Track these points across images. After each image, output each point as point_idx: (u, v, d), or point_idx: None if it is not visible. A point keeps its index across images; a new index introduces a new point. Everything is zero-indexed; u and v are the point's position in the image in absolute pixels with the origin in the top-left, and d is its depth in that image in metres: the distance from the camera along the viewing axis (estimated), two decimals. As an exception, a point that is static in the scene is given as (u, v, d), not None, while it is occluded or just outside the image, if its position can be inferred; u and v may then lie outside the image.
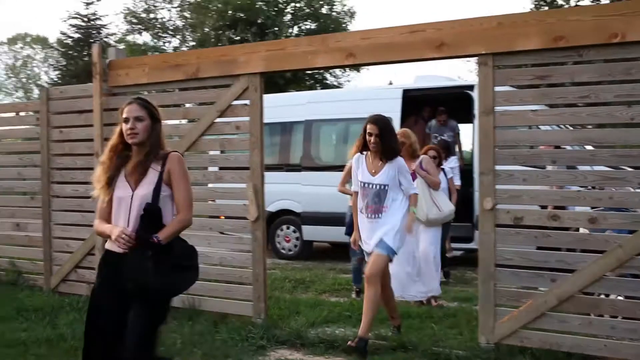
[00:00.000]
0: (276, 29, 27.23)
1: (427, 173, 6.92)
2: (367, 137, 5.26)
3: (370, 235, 5.26)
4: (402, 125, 9.76)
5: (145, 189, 3.52)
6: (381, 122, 5.27)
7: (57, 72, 33.72)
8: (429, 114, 10.60)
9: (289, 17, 29.31)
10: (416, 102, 10.20)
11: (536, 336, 4.84)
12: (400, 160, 5.33)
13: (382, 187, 5.23)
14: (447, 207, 7.07)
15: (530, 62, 5.06)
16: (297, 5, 29.18)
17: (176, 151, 3.70)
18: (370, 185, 5.26)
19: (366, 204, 5.29)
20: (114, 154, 3.63)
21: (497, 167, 5.02)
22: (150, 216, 3.49)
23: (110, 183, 3.59)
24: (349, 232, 5.62)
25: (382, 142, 5.20)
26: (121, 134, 3.61)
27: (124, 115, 3.58)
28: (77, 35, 30.88)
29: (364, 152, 5.43)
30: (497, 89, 5.03)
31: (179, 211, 3.59)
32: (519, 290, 5.08)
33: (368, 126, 5.26)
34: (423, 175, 6.87)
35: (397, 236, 5.21)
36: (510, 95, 5.20)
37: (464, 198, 8.87)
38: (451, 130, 10.25)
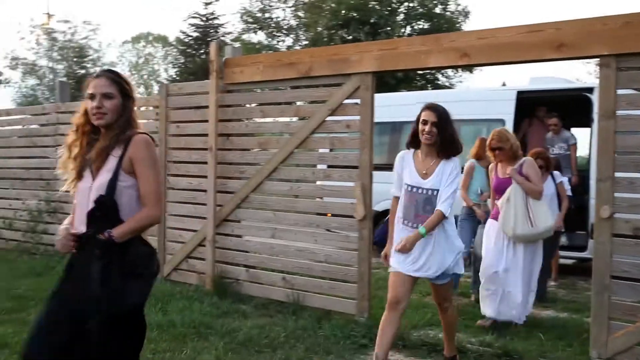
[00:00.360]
0: (389, 28, 27.14)
1: (527, 179, 5.80)
2: (421, 126, 4.36)
3: (421, 253, 4.32)
4: (516, 127, 9.49)
5: (102, 178, 2.94)
6: (440, 110, 4.39)
7: (175, 70, 35.17)
8: (545, 114, 10.00)
9: (401, 16, 29.14)
10: (531, 104, 9.87)
11: (653, 354, 4.59)
12: (455, 161, 4.39)
13: (435, 192, 4.30)
14: (544, 223, 5.74)
15: (657, 64, 4.80)
16: (411, 4, 28.97)
17: (144, 132, 3.07)
18: (420, 190, 4.34)
19: (415, 213, 4.35)
20: (82, 137, 3.06)
21: (617, 174, 4.79)
22: (103, 211, 2.89)
23: (80, 174, 3.05)
24: (379, 242, 4.78)
25: (440, 132, 4.30)
26: (87, 113, 3.04)
27: (90, 91, 3.00)
28: (195, 34, 32.08)
29: (412, 149, 4.55)
30: (619, 91, 4.80)
31: (144, 205, 2.96)
32: (635, 305, 4.82)
33: (423, 113, 4.39)
34: (520, 182, 5.75)
35: (459, 258, 4.46)
36: (634, 99, 4.93)
37: (578, 205, 8.51)
38: (563, 142, 9.31)
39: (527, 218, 5.71)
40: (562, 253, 8.21)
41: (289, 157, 6.56)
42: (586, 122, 9.36)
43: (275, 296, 6.49)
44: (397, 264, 4.38)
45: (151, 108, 8.24)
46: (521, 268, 5.79)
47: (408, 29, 28.85)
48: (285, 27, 32.34)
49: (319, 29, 28.46)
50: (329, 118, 6.29)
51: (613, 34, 4.79)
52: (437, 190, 4.27)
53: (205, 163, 7.10)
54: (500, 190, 5.98)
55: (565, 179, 7.82)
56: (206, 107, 7.15)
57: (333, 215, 6.74)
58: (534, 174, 5.87)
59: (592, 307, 4.86)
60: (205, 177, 7.11)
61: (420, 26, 28.98)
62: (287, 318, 5.88)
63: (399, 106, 10.81)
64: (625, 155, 4.88)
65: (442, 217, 4.23)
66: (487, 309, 5.90)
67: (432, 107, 4.40)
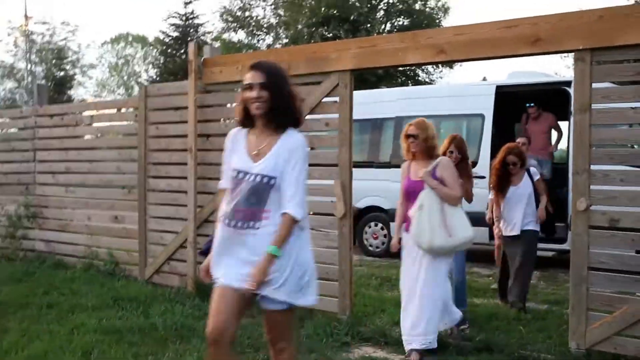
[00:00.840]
0: (369, 25, 27.20)
1: (442, 182, 5.00)
2: (247, 93, 3.21)
3: (237, 260, 3.19)
4: (495, 121, 9.55)
5: None
6: (269, 67, 3.25)
7: (156, 70, 35.00)
8: (535, 112, 9.76)
9: (381, 13, 29.22)
10: (510, 99, 9.96)
11: (631, 344, 4.64)
12: (298, 140, 3.23)
13: (266, 180, 3.16)
14: (463, 232, 4.96)
15: (632, 58, 4.85)
16: (391, 1, 29.05)
17: None
18: (247, 176, 3.19)
19: (234, 205, 3.20)
20: None
21: (593, 167, 4.84)
22: None
23: None
24: (205, 252, 3.55)
25: (273, 96, 3.17)
26: None
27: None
28: (175, 34, 31.95)
29: (247, 128, 3.36)
30: (594, 85, 4.85)
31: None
32: (613, 295, 4.88)
33: (247, 75, 3.23)
34: (433, 186, 4.96)
35: (309, 284, 3.28)
36: (609, 92, 4.98)
37: (557, 198, 8.59)
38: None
39: (442, 227, 4.92)
40: (541, 245, 8.27)
41: (269, 156, 6.54)
42: (564, 116, 9.46)
43: (257, 296, 6.48)
44: (223, 272, 3.25)
45: (130, 109, 8.20)
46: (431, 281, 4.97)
47: (388, 26, 28.94)
48: (265, 25, 32.29)
49: (299, 27, 28.45)
50: (308, 116, 6.27)
51: (587, 28, 4.83)
52: (270, 178, 3.16)
53: (186, 164, 7.08)
54: (410, 194, 5.15)
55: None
56: (185, 107, 7.12)
57: (314, 213, 6.75)
58: (451, 176, 5.07)
59: (571, 299, 4.91)
60: (186, 178, 7.09)
61: (400, 23, 29.08)
62: (269, 317, 5.87)
63: (379, 103, 10.88)
64: (600, 148, 4.93)
65: (293, 222, 3.14)
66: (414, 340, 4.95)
67: (257, 66, 3.24)
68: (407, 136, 5.16)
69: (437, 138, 5.25)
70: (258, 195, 3.18)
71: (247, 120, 3.31)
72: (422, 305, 4.92)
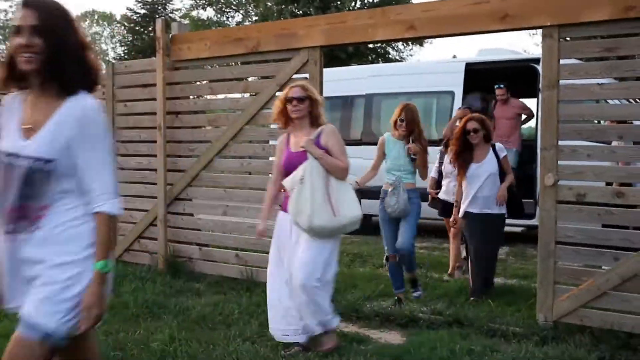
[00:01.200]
0: (339, 2, 27.05)
1: (328, 152, 4.33)
2: (14, 41, 2.30)
3: (12, 278, 2.42)
4: (465, 99, 9.59)
5: None
6: (45, 7, 2.31)
7: (123, 48, 34.51)
8: (503, 93, 9.35)
9: (351, -10, 29.06)
10: (480, 76, 10.00)
11: (596, 315, 4.73)
12: (91, 107, 2.41)
13: (39, 164, 2.32)
14: (351, 211, 4.37)
15: (598, 34, 4.89)
16: (360, -22, 28.91)
17: None
18: (17, 161, 2.33)
19: (5, 203, 2.36)
20: None
21: (560, 143, 4.89)
22: None
23: None
24: None
25: (48, 48, 2.26)
26: None
27: None
28: (143, 12, 31.51)
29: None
30: (562, 61, 4.88)
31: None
32: (579, 269, 4.98)
33: (17, 15, 2.32)
34: (318, 156, 4.27)
35: (68, 301, 2.35)
36: (576, 69, 5.03)
37: (526, 174, 8.69)
38: None
39: (327, 205, 4.26)
40: (510, 221, 8.37)
41: (239, 134, 6.52)
42: (533, 93, 9.54)
43: (228, 273, 6.48)
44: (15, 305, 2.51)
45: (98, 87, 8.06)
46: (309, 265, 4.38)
47: (358, 3, 28.80)
48: (234, 2, 31.96)
49: (269, 4, 28.21)
50: (278, 93, 6.24)
51: (555, 5, 4.85)
52: (47, 161, 2.31)
53: (155, 142, 7.01)
54: (291, 169, 4.42)
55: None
56: (154, 85, 7.03)
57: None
58: (337, 145, 4.37)
59: (539, 273, 4.97)
60: (155, 156, 7.02)
61: (371, 0, 28.97)
62: (240, 294, 5.88)
63: (350, 80, 10.86)
64: (568, 124, 4.99)
65: (110, 222, 2.40)
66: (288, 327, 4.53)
67: (29, 3, 2.29)
68: (289, 99, 4.46)
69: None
70: (32, 186, 2.32)
71: (14, 79, 2.36)
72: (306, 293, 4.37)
